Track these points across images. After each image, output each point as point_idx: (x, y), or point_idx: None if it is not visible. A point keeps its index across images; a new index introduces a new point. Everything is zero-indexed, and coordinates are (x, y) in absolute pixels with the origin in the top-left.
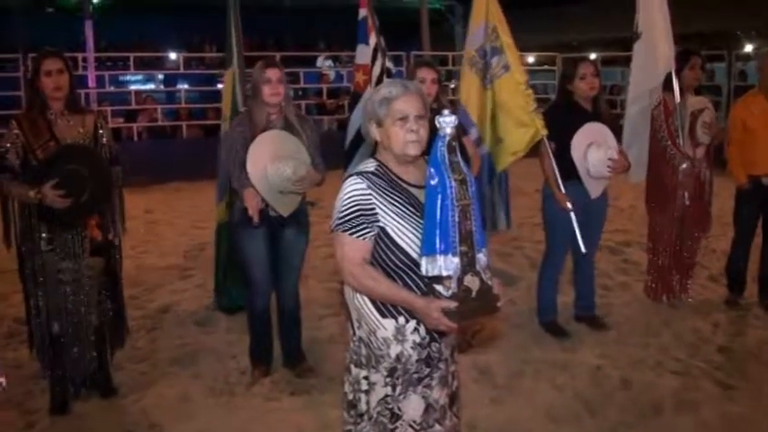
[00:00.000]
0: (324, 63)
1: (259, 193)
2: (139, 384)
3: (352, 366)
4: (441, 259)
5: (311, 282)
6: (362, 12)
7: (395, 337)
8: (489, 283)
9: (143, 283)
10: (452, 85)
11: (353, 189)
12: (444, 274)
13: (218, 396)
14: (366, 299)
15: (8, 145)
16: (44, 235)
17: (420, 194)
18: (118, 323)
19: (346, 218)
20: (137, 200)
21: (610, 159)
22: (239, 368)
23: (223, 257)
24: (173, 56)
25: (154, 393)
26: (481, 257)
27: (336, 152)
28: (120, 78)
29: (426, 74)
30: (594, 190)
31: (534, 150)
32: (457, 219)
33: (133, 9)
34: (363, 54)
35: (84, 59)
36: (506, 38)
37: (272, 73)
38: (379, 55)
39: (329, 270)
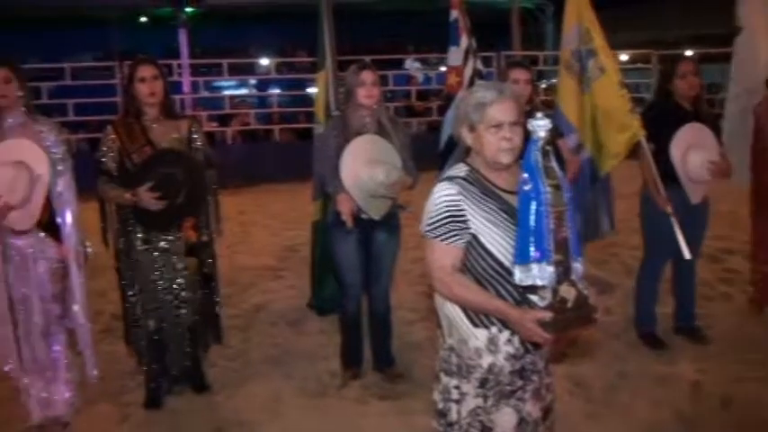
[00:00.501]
0: (412, 65)
1: (352, 197)
2: (232, 382)
3: (442, 375)
4: (535, 268)
5: (401, 285)
6: (454, 13)
7: (487, 347)
8: (585, 292)
9: (236, 283)
10: (543, 85)
11: (444, 194)
12: (539, 283)
13: (309, 397)
14: (457, 307)
15: (105, 150)
16: (140, 235)
17: (513, 200)
18: (212, 322)
19: (436, 224)
20: (230, 201)
21: (710, 162)
22: (330, 370)
23: (318, 256)
24: (264, 61)
25: (245, 392)
26: (577, 266)
27: (425, 155)
28: (214, 84)
29: (520, 74)
30: (695, 195)
31: (633, 152)
32: (552, 226)
33: (225, 17)
34: (455, 56)
35: (179, 66)
36: (600, 40)
37: (367, 76)
38: (471, 56)
39: (419, 273)
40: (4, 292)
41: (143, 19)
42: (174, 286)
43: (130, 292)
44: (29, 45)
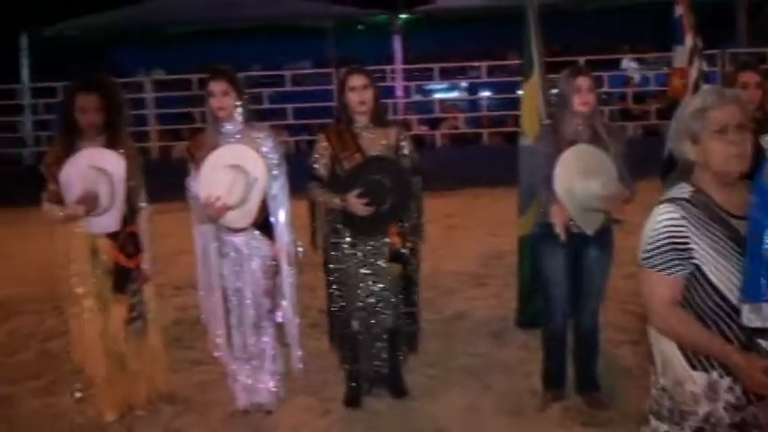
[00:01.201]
0: (629, 65)
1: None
2: (429, 389)
3: (652, 418)
4: (766, 308)
5: (610, 303)
6: (678, 10)
7: (705, 393)
8: None
9: (438, 287)
10: None
11: (665, 219)
12: None
13: (507, 414)
14: (674, 345)
15: (318, 156)
16: (347, 239)
17: (741, 227)
18: (412, 327)
19: (656, 252)
20: (437, 204)
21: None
22: (530, 388)
23: (526, 271)
24: (475, 65)
25: (443, 400)
26: None
27: (641, 162)
28: (426, 88)
29: (749, 77)
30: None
31: None
32: None
33: (438, 22)
34: (680, 56)
35: (393, 71)
36: None
37: (582, 81)
38: (696, 57)
39: (631, 291)
40: (219, 285)
41: (359, 27)
42: (378, 290)
43: (336, 293)
44: (251, 54)
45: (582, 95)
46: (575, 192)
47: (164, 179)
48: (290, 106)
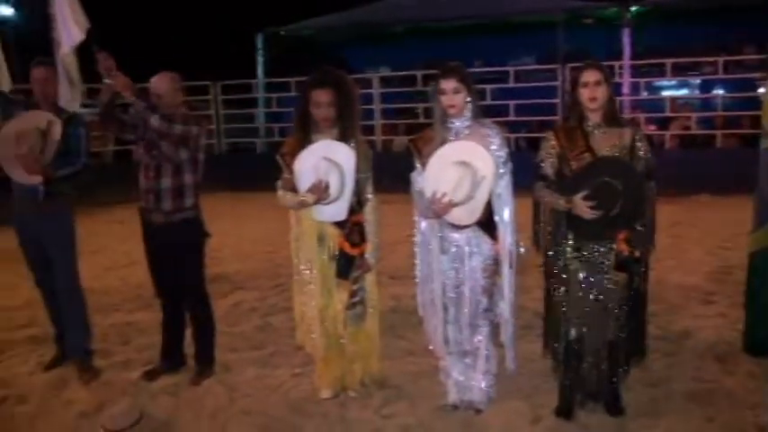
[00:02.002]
0: None
1: None
2: (648, 412)
3: None
4: None
5: None
6: None
7: None
8: None
9: (664, 301)
10: None
11: None
12: None
13: None
14: None
15: (545, 155)
16: (571, 242)
17: None
18: (636, 342)
19: None
20: (663, 211)
21: None
22: (756, 422)
23: (756, 292)
24: (710, 60)
25: (664, 425)
26: None
27: None
28: (655, 85)
29: None
30: None
31: None
32: None
33: (670, 14)
34: None
35: (620, 67)
36: None
37: None
38: None
39: None
40: (439, 280)
41: (587, 20)
42: (601, 298)
43: (555, 299)
44: (475, 50)
45: None
46: None
47: (385, 170)
48: (512, 103)
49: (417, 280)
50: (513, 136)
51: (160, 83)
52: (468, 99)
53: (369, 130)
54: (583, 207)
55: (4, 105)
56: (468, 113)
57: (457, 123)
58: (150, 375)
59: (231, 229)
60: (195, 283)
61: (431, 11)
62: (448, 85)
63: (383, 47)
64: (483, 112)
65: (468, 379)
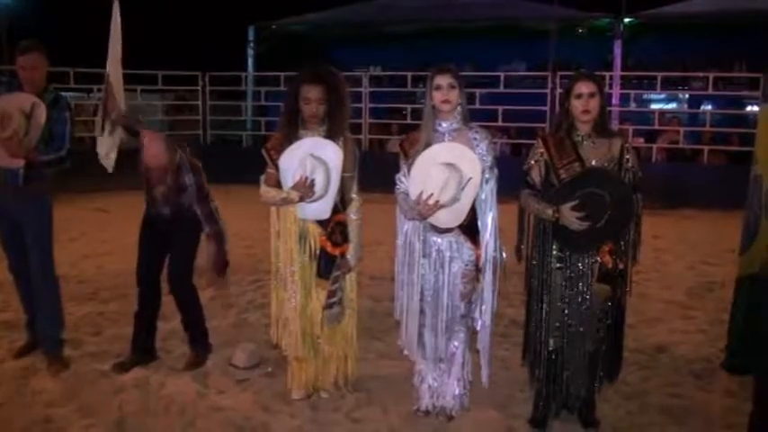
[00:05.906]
0: None
1: None
2: (623, 425)
3: None
4: None
5: None
6: None
7: None
8: None
9: (641, 314)
10: None
11: None
12: None
13: None
14: None
15: (532, 162)
16: (555, 253)
17: None
18: (614, 354)
19: None
20: (647, 223)
21: None
22: None
23: (740, 313)
24: (700, 75)
25: None
26: None
27: None
28: (644, 97)
29: None
30: None
31: None
32: None
33: (663, 28)
34: None
35: (611, 78)
36: None
37: None
38: None
39: None
40: (417, 283)
41: (579, 30)
42: (583, 310)
43: (536, 307)
44: (465, 54)
45: None
46: None
47: (370, 170)
48: (500, 108)
49: (396, 283)
50: (499, 142)
51: (155, 151)
52: (459, 100)
53: (357, 129)
54: (571, 218)
55: None
56: (457, 116)
57: (444, 125)
58: (120, 367)
59: None
60: (188, 271)
61: (423, 13)
62: (444, 80)
63: (375, 47)
64: (472, 117)
65: (442, 384)
